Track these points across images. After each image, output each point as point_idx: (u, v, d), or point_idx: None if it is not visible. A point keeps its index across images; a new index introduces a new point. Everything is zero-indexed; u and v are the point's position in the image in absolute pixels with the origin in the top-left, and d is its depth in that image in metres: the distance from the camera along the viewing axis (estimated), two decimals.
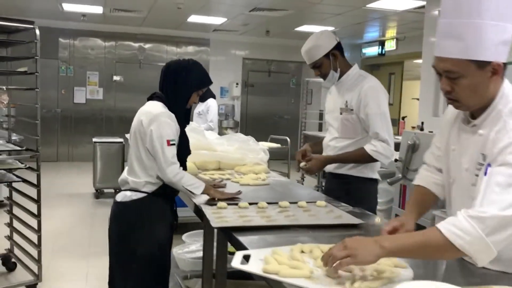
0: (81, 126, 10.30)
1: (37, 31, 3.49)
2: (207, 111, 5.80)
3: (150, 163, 2.41)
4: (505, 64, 1.45)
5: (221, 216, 2.09)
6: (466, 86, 1.45)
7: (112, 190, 6.92)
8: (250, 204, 2.31)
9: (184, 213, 3.17)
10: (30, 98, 3.56)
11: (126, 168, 2.56)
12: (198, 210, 2.33)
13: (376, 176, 2.84)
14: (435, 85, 5.68)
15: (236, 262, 1.50)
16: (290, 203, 2.35)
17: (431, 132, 4.35)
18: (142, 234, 2.41)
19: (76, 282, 3.95)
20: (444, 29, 1.46)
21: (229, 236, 1.92)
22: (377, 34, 9.99)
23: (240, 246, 1.76)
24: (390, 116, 2.75)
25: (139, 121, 2.43)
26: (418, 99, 6.21)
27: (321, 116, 10.60)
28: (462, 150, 1.58)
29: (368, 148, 2.66)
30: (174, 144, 2.39)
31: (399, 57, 9.91)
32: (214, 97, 5.91)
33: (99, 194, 7.01)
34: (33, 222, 3.72)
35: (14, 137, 4.20)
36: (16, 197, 3.92)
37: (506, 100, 1.47)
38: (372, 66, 10.58)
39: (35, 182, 3.64)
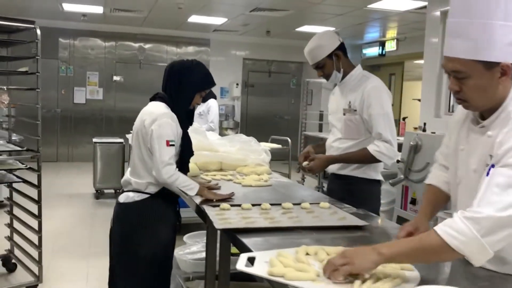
0: (81, 126, 10.28)
1: (38, 31, 3.48)
2: (208, 111, 5.77)
3: (153, 164, 2.39)
4: None
5: (224, 218, 2.07)
6: (473, 86, 1.44)
7: (112, 191, 6.87)
8: (253, 205, 2.28)
9: (185, 214, 3.15)
10: (31, 98, 3.55)
11: (129, 169, 2.55)
12: (200, 211, 2.31)
13: (379, 177, 2.82)
14: (437, 86, 5.66)
15: (241, 264, 1.48)
16: (293, 204, 2.33)
17: (434, 133, 4.34)
18: (144, 235, 2.40)
19: (76, 283, 3.94)
20: (452, 29, 1.45)
21: (233, 238, 1.90)
22: (378, 35, 9.98)
23: (244, 248, 1.74)
24: None
25: (142, 122, 2.42)
26: (419, 100, 6.19)
27: (321, 117, 10.59)
28: (471, 150, 1.56)
29: (371, 148, 2.65)
30: (173, 145, 2.38)
31: (399, 57, 9.89)
32: (215, 97, 5.88)
33: (99, 194, 6.97)
34: (33, 223, 3.70)
35: (14, 137, 4.19)
36: (17, 197, 3.90)
37: None
38: (373, 67, 10.55)
39: (35, 182, 3.63)
